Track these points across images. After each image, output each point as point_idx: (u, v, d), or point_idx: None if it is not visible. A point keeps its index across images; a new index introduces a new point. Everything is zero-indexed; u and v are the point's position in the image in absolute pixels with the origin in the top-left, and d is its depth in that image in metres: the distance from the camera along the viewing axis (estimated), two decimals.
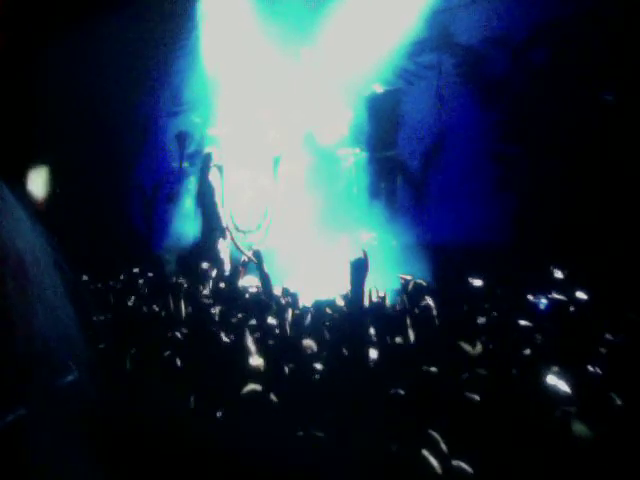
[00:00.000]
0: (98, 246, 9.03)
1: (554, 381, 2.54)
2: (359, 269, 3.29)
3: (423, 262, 6.74)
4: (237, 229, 8.98)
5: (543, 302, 4.52)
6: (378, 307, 4.08)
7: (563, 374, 2.61)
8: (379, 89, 8.50)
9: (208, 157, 8.66)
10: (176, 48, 10.37)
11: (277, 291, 5.38)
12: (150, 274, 7.03)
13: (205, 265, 6.40)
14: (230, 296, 5.40)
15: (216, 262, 7.39)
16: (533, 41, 7.34)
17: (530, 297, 4.72)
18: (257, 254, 5.46)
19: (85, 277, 5.83)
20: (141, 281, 6.58)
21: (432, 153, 8.05)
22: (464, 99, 7.85)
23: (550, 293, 4.45)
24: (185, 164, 10.56)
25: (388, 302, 4.63)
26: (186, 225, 9.33)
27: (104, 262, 7.34)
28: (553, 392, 2.50)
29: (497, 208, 7.38)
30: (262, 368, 3.18)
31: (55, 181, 11.28)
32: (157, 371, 3.27)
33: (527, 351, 3.18)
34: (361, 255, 3.32)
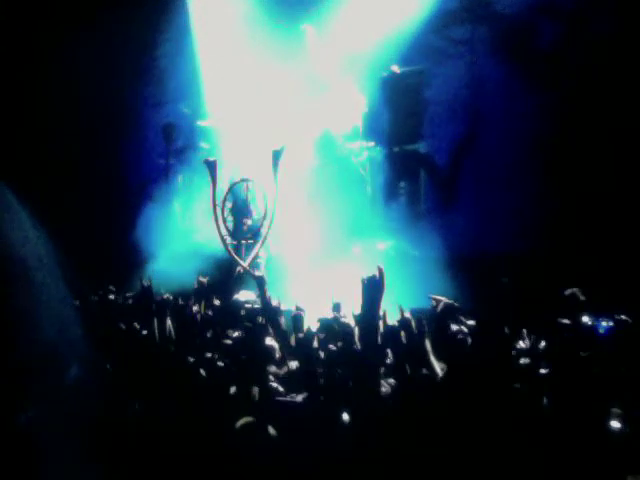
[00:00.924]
0: (87, 251, 8.21)
1: (618, 424, 2.42)
2: (373, 289, 3.07)
3: (452, 277, 6.11)
4: (231, 236, 8.04)
5: (603, 325, 3.96)
6: (401, 329, 3.60)
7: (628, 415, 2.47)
8: (399, 70, 7.76)
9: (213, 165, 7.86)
10: (162, 29, 9.65)
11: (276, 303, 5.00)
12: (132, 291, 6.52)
13: (201, 278, 5.90)
14: (223, 313, 5.13)
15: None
16: (592, 7, 6.33)
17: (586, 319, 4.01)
18: (260, 281, 4.91)
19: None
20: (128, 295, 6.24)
21: (464, 146, 7.26)
22: (504, 80, 6.92)
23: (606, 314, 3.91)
24: (172, 160, 9.93)
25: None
26: (174, 229, 8.94)
27: (89, 269, 6.54)
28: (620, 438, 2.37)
29: (544, 211, 6.59)
30: (256, 396, 3.09)
31: (48, 182, 10.37)
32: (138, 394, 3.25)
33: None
34: (376, 272, 3.09)
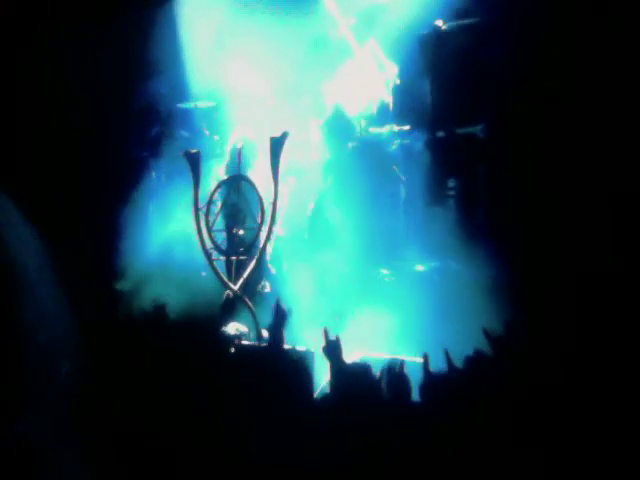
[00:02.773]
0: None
1: None
2: (331, 358, 3.33)
3: (520, 309, 5.27)
4: (218, 250, 7.32)
5: None
6: (447, 379, 3.40)
7: None
8: (445, 25, 6.77)
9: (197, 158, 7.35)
10: None
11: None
12: None
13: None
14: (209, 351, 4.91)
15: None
16: None
17: None
18: (282, 314, 4.61)
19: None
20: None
21: (539, 129, 5.93)
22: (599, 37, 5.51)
23: None
24: (145, 152, 9.05)
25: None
26: (147, 238, 8.19)
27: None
28: None
29: None
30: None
31: (34, 181, 9.13)
32: None
33: None
34: (332, 339, 3.35)
